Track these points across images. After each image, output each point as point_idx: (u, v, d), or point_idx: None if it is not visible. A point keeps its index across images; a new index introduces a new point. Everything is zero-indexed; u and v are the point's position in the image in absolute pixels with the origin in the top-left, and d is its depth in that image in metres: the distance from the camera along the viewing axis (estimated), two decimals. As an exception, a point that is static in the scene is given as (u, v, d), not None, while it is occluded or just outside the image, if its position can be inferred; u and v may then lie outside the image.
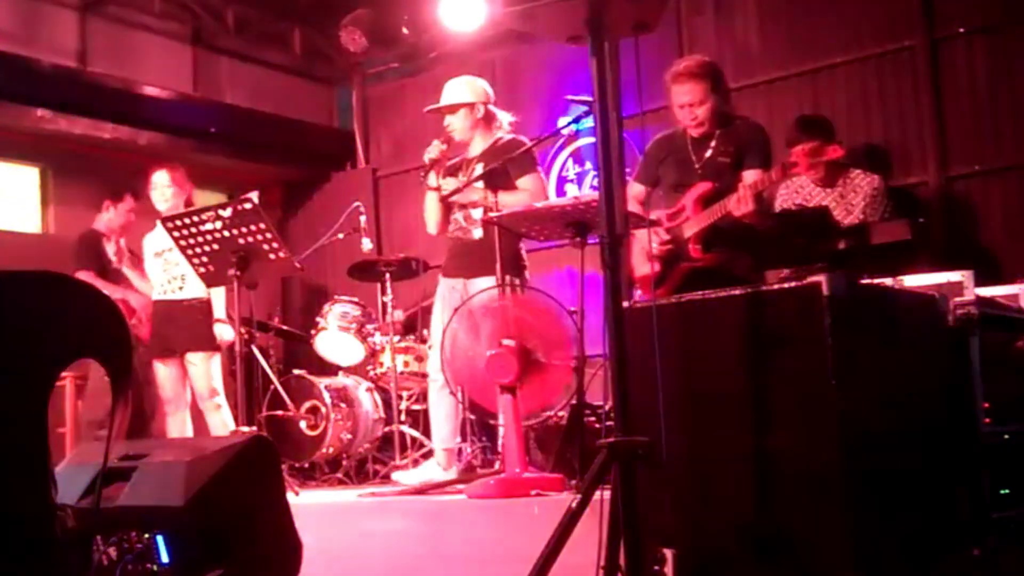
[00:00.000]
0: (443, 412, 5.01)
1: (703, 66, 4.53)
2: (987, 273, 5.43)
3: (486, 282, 4.71)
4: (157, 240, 5.80)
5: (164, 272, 5.81)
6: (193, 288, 5.67)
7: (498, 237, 4.57)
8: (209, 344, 5.74)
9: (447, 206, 5.04)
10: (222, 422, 5.69)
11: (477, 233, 4.94)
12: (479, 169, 4.89)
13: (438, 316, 5.03)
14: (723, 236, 4.36)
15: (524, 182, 4.87)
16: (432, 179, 4.99)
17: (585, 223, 4.24)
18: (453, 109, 5.04)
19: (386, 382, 6.42)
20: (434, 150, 4.92)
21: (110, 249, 6.51)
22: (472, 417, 5.48)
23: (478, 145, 5.07)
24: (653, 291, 4.23)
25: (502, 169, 4.68)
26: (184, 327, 5.72)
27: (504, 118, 5.08)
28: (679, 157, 4.56)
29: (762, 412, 2.80)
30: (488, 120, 5.05)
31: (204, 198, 7.99)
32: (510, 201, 4.71)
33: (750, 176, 4.36)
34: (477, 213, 4.94)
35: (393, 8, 7.63)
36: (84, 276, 6.20)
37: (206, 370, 5.73)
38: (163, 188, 5.83)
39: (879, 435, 2.83)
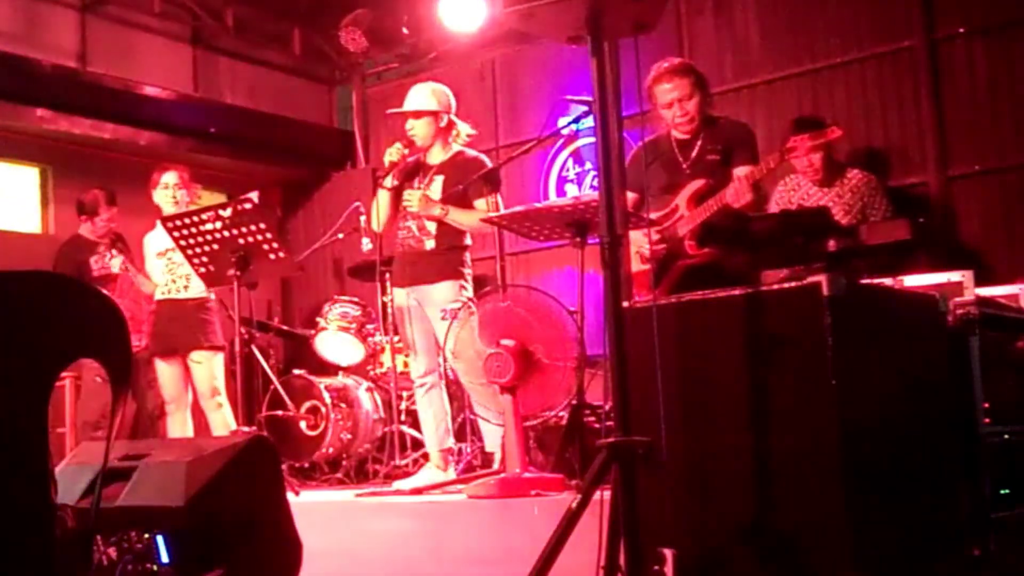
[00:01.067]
0: (432, 415, 5.03)
1: (685, 64, 4.58)
2: (987, 273, 5.44)
3: (442, 288, 4.91)
4: (159, 240, 5.80)
5: (168, 272, 5.81)
6: (197, 287, 5.67)
7: (456, 246, 4.96)
8: (212, 343, 5.74)
9: (397, 207, 5.11)
10: (224, 422, 5.69)
11: (430, 244, 5.00)
12: (438, 181, 5.01)
13: (408, 326, 5.06)
14: (718, 232, 4.36)
15: (481, 203, 4.95)
16: (388, 181, 5.09)
17: (585, 223, 4.24)
18: (418, 115, 5.07)
19: (386, 382, 6.42)
20: (395, 153, 5.02)
21: (96, 257, 6.43)
22: (472, 417, 5.48)
23: (437, 154, 5.11)
24: (650, 290, 4.22)
25: (465, 188, 4.86)
26: (187, 326, 5.71)
27: (463, 129, 5.14)
28: (666, 159, 4.55)
29: (762, 412, 2.80)
30: (448, 129, 5.10)
31: (204, 198, 7.99)
32: (464, 220, 4.93)
33: (743, 171, 4.37)
34: (431, 225, 4.99)
35: (393, 8, 7.63)
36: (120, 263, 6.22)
37: (209, 369, 5.72)
38: (173, 189, 5.82)
39: (879, 435, 2.83)
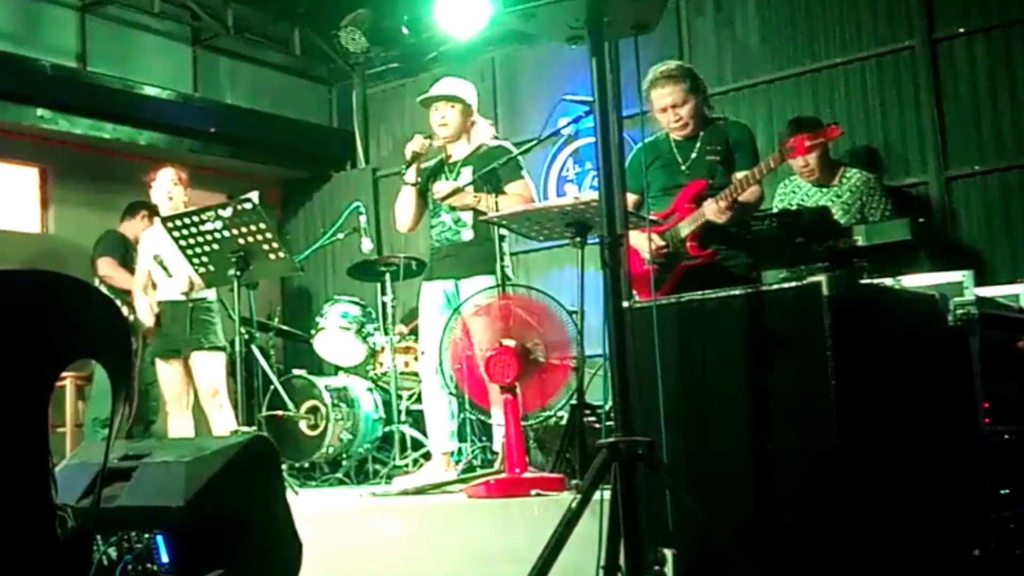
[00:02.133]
0: (438, 415, 5.02)
1: (681, 68, 4.54)
2: (987, 273, 5.44)
3: (481, 281, 4.81)
4: (156, 240, 5.80)
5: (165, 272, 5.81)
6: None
7: (493, 237, 4.73)
8: (213, 344, 5.73)
9: (422, 203, 5.08)
10: (225, 422, 5.69)
11: (468, 235, 4.97)
12: (466, 173, 4.97)
13: (432, 320, 5.01)
14: (720, 233, 4.36)
15: (514, 187, 4.91)
16: (411, 175, 5.03)
17: (585, 223, 4.24)
18: (453, 102, 5.04)
19: (386, 382, 6.43)
20: (417, 143, 4.95)
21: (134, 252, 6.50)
22: (472, 417, 5.48)
23: (461, 148, 5.09)
24: (652, 292, 4.22)
25: (494, 174, 4.76)
26: (188, 327, 5.69)
27: (484, 128, 5.13)
28: (665, 161, 4.55)
29: (762, 412, 2.80)
30: (473, 124, 5.10)
31: (204, 198, 7.99)
32: (506, 205, 4.77)
33: (741, 175, 4.34)
34: (467, 215, 4.96)
35: (393, 8, 7.63)
36: (105, 262, 6.26)
37: (209, 370, 5.72)
38: (169, 186, 5.83)
39: (879, 435, 2.83)
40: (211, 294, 5.77)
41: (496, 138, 5.20)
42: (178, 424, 5.83)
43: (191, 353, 5.72)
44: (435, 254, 5.09)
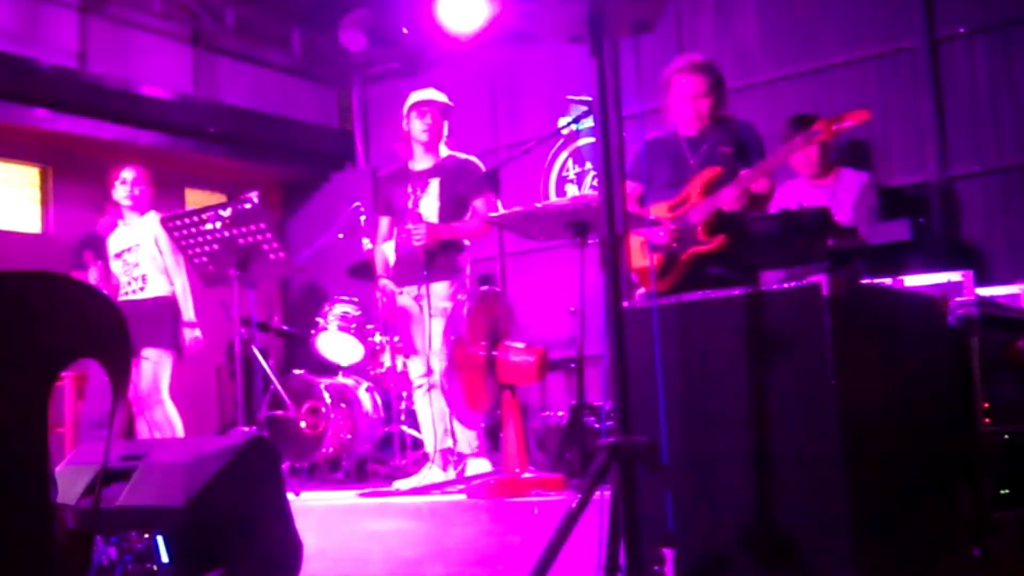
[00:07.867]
0: (432, 415, 5.05)
1: (706, 63, 4.55)
2: (987, 273, 5.44)
3: (439, 287, 5.00)
4: (118, 240, 5.78)
5: (125, 273, 5.75)
6: (155, 287, 5.62)
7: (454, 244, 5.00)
8: (165, 343, 5.62)
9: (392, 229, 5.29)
10: (166, 418, 5.57)
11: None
12: (434, 184, 5.10)
13: (410, 325, 5.09)
14: (730, 224, 4.34)
15: (480, 203, 5.05)
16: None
17: (585, 223, 4.24)
18: (442, 109, 5.17)
19: (386, 382, 6.43)
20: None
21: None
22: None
23: (426, 159, 5.17)
24: (658, 280, 4.20)
25: (462, 190, 5.02)
26: (144, 325, 5.56)
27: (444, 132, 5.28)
28: (673, 155, 4.54)
29: (762, 412, 2.80)
30: (441, 135, 5.24)
31: (204, 198, 8.01)
32: (468, 230, 5.08)
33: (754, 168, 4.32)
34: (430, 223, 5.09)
35: (393, 8, 7.63)
36: (94, 271, 6.20)
37: (153, 370, 5.58)
38: (131, 185, 5.73)
39: (879, 435, 2.83)
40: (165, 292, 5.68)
41: (457, 147, 5.30)
42: (146, 424, 5.71)
43: (142, 350, 5.55)
44: (400, 259, 5.16)
